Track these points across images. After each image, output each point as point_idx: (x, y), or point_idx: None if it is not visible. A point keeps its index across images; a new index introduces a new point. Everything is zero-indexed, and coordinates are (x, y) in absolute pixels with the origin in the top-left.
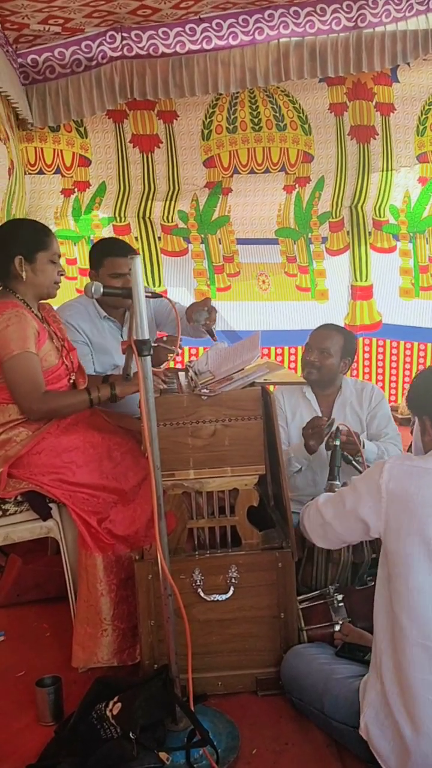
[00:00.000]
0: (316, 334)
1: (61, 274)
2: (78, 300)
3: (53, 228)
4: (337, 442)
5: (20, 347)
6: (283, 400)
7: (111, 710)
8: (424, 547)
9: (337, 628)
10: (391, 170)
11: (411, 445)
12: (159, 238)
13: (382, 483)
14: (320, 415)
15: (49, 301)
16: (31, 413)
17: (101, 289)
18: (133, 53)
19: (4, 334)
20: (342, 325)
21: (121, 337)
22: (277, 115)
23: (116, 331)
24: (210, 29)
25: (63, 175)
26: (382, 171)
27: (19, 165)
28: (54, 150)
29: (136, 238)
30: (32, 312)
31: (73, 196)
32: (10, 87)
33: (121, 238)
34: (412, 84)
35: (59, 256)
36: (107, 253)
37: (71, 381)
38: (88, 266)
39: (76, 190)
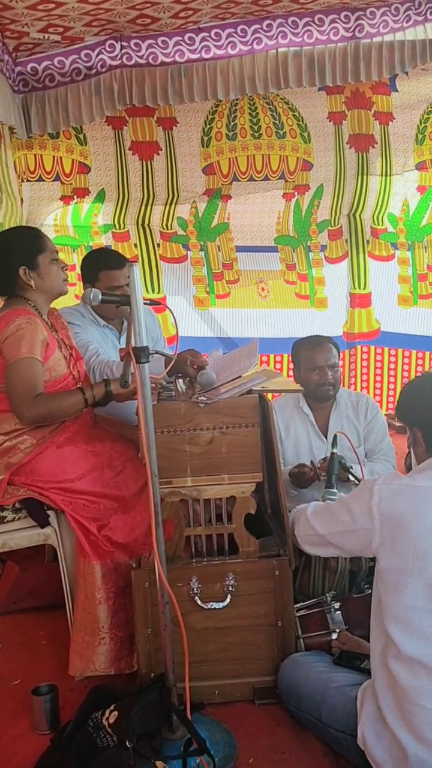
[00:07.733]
0: (318, 352)
1: (66, 269)
2: (77, 308)
3: (52, 235)
4: (335, 450)
5: (27, 352)
6: (276, 416)
7: (107, 719)
8: (417, 562)
9: (335, 636)
10: (390, 175)
11: (408, 454)
12: (158, 245)
13: (373, 505)
14: (317, 428)
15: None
16: (22, 418)
17: (99, 296)
18: (132, 62)
19: (15, 337)
20: (341, 333)
21: (119, 344)
22: (277, 122)
23: (115, 339)
24: (209, 39)
25: (62, 182)
26: (381, 179)
27: (5, 176)
28: (53, 157)
29: (135, 245)
30: (43, 320)
31: (72, 203)
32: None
33: (113, 248)
34: (411, 93)
35: (57, 253)
36: (102, 267)
37: None
38: None
39: (75, 197)
